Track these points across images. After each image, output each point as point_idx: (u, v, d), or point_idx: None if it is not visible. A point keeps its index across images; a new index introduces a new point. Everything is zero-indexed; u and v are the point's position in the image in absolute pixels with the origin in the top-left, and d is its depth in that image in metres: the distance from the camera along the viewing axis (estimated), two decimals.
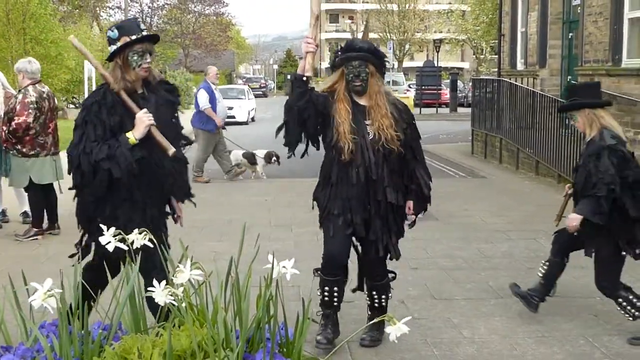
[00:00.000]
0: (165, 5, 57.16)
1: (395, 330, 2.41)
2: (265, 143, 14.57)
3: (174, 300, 2.56)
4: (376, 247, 5.00)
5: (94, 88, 28.82)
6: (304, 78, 4.88)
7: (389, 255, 5.11)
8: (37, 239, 8.58)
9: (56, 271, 2.43)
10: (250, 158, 14.24)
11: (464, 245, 8.43)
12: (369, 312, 5.34)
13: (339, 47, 5.22)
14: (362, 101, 5.01)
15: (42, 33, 29.72)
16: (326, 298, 5.05)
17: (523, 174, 14.96)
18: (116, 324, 2.73)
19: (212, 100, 13.40)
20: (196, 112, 13.85)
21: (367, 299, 5.30)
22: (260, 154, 14.23)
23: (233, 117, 30.14)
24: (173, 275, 2.64)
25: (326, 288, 5.03)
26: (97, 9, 52.67)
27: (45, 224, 8.80)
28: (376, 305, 5.25)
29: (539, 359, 5.00)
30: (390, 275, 5.33)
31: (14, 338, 2.71)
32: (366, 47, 5.00)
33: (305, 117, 4.89)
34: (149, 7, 56.31)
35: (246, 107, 33.85)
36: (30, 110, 8.21)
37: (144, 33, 4.56)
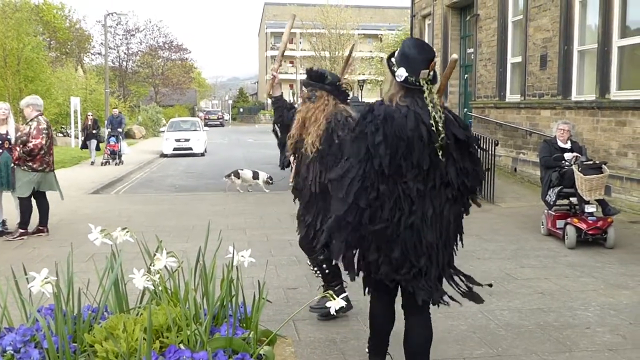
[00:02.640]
0: (139, 52, 56.46)
1: (334, 304, 2.42)
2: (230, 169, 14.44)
3: (152, 284, 2.52)
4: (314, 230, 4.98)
5: (79, 120, 28.11)
6: (273, 98, 5.33)
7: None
8: (23, 238, 8.73)
9: (49, 269, 2.38)
10: (254, 175, 14.40)
11: None
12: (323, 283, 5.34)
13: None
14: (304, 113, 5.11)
15: (34, 74, 29.17)
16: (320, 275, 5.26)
17: None
18: (103, 306, 2.67)
19: None
20: None
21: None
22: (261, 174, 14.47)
23: (190, 149, 27.04)
24: (151, 265, 2.60)
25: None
26: (81, 54, 51.72)
27: (33, 227, 8.98)
28: (317, 273, 5.33)
29: (447, 329, 5.04)
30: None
31: (15, 320, 2.62)
32: (315, 76, 5.05)
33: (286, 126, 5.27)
34: (124, 54, 55.54)
35: (202, 139, 28.54)
36: (43, 135, 8.73)
37: None
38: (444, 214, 3.38)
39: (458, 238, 3.61)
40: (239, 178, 14.35)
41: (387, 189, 3.27)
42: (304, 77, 5.22)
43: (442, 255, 3.48)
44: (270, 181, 14.21)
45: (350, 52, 5.97)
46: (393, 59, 3.45)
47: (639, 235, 8.66)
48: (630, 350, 4.58)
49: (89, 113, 22.99)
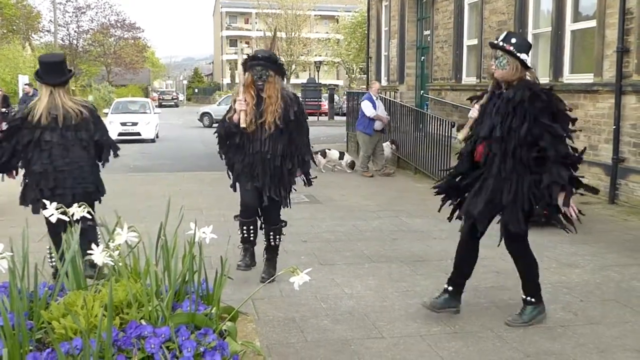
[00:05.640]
0: (90, 30, 55.01)
1: (298, 279, 2.41)
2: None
3: (111, 260, 2.48)
4: (272, 196, 5.54)
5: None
6: (241, 127, 5.38)
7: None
8: None
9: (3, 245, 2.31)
10: (340, 155, 14.26)
11: (343, 222, 8.52)
12: (265, 252, 5.85)
13: (248, 56, 5.57)
14: (263, 94, 5.43)
15: None
16: (245, 235, 5.73)
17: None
18: (60, 283, 2.61)
19: (374, 107, 13.20)
20: (360, 118, 13.59)
21: (265, 240, 5.80)
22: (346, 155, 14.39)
23: (138, 134, 23.71)
24: (109, 240, 2.56)
25: (244, 228, 5.71)
26: (29, 32, 50.17)
27: None
28: (272, 244, 5.79)
29: (404, 308, 5.09)
30: (282, 223, 5.83)
31: None
32: (267, 56, 5.40)
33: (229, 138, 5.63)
34: (75, 32, 54.04)
35: (153, 123, 24.62)
36: None
37: None
38: None
39: None
40: (325, 157, 14.19)
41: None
42: (249, 57, 5.51)
43: None
44: (352, 166, 14.06)
45: (274, 35, 6.25)
46: (512, 47, 4.36)
47: (589, 216, 8.86)
48: (581, 327, 4.72)
49: None
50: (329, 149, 14.79)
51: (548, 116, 4.37)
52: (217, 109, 34.09)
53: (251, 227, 5.74)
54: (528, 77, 4.48)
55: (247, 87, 5.45)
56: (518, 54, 4.40)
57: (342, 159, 14.21)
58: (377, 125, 13.34)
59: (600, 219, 8.75)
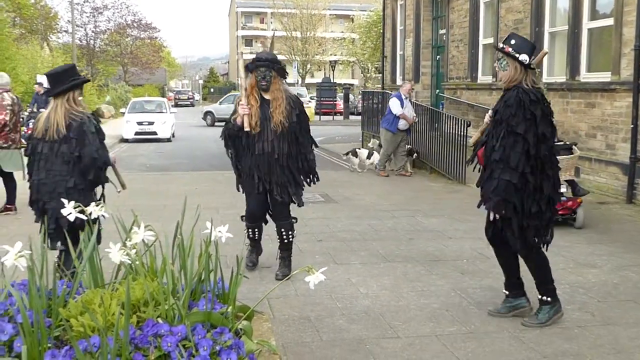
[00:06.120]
0: (107, 30, 55.37)
1: (313, 278, 2.41)
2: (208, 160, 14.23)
3: (128, 259, 2.50)
4: (280, 196, 5.68)
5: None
6: (244, 129, 5.51)
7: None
8: None
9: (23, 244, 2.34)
10: (369, 154, 14.09)
11: (358, 221, 8.52)
12: (279, 250, 5.97)
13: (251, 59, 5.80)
14: (266, 96, 5.60)
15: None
16: (250, 236, 5.98)
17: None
18: (77, 281, 2.63)
19: (402, 106, 13.11)
20: (386, 115, 13.52)
21: (277, 238, 5.92)
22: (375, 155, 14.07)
23: (154, 133, 23.77)
24: (126, 239, 2.57)
25: (249, 230, 5.95)
26: (47, 32, 50.58)
27: (1, 206, 8.92)
28: (285, 241, 5.88)
29: (420, 308, 5.09)
30: (293, 219, 5.93)
31: None
32: (270, 58, 5.62)
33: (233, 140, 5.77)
34: (92, 32, 54.42)
35: (169, 122, 24.78)
36: (7, 111, 8.54)
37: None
38: None
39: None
40: (356, 157, 14.16)
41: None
42: (252, 60, 5.72)
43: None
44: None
45: (272, 40, 6.47)
46: (511, 49, 4.37)
47: (606, 216, 8.82)
48: (599, 327, 4.68)
49: None
50: (359, 149, 14.73)
51: (520, 123, 4.30)
52: (219, 108, 34.80)
53: (256, 230, 5.99)
54: (525, 81, 4.42)
55: (251, 89, 5.60)
56: (517, 55, 4.38)
57: (369, 158, 14.08)
58: (402, 124, 13.27)
59: (618, 218, 8.68)
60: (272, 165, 5.61)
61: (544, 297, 4.71)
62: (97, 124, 5.04)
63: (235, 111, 5.68)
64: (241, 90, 5.69)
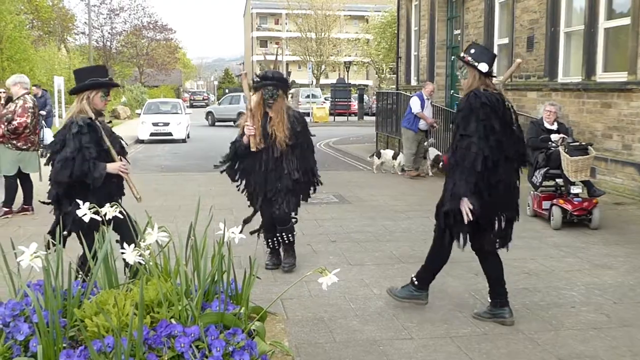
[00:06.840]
0: (123, 32, 55.78)
1: (326, 279, 2.40)
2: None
3: (142, 259, 2.51)
4: (279, 206, 5.90)
5: (63, 100, 26.24)
6: (251, 149, 5.73)
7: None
8: (7, 217, 8.75)
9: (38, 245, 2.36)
10: (394, 155, 13.95)
11: (372, 222, 8.51)
12: (282, 250, 6.21)
13: (257, 75, 5.96)
14: (271, 113, 5.77)
15: (17, 53, 28.66)
16: (271, 246, 6.20)
17: None
18: (92, 282, 2.65)
19: (422, 107, 13.10)
20: (407, 114, 13.51)
21: (279, 238, 6.12)
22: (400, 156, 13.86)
23: (170, 134, 23.87)
24: (140, 240, 2.59)
25: (269, 240, 6.19)
26: (64, 34, 51.02)
27: (18, 207, 8.99)
28: (286, 242, 6.12)
29: (433, 309, 5.06)
30: (293, 220, 6.13)
31: (2, 297, 2.60)
32: (277, 77, 5.80)
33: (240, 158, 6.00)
34: (109, 33, 54.85)
35: (184, 123, 24.91)
36: (28, 113, 8.61)
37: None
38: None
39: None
40: (379, 157, 14.14)
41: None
42: (257, 78, 5.85)
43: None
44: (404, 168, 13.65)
45: (276, 55, 7.16)
46: (470, 57, 4.44)
47: (622, 217, 8.74)
48: (614, 329, 4.64)
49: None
50: (383, 149, 14.65)
51: (469, 125, 4.36)
52: (218, 108, 37.05)
53: (275, 239, 6.19)
54: (482, 87, 4.47)
55: (257, 107, 5.75)
56: (476, 64, 4.46)
57: (395, 159, 13.91)
58: (422, 124, 13.22)
59: (634, 220, 8.60)
60: (277, 181, 5.82)
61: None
62: (99, 131, 4.62)
63: (241, 129, 5.86)
64: (247, 110, 5.83)
